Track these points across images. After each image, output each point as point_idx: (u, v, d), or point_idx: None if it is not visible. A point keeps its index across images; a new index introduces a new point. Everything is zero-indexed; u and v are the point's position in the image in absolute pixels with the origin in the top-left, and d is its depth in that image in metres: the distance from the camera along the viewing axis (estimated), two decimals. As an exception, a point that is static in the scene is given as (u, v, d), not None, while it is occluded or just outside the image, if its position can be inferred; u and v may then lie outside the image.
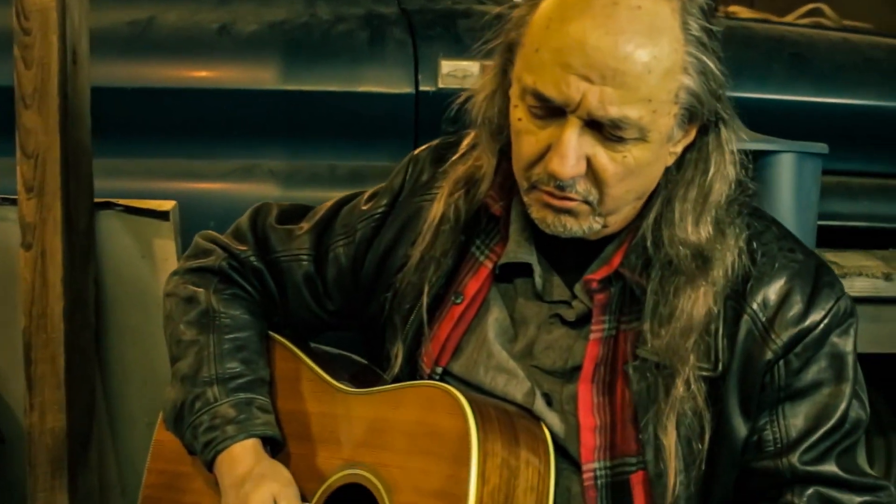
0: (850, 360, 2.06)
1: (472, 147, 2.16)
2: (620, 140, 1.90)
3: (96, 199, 2.90)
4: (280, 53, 3.62)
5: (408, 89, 3.58)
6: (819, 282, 2.04)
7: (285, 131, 3.56)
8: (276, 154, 3.47)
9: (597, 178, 1.93)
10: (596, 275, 2.05)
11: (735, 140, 2.00)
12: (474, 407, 2.01)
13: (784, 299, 2.01)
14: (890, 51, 3.97)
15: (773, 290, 2.01)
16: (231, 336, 2.24)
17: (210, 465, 2.18)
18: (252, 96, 3.57)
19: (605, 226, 2.00)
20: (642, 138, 1.91)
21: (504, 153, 2.09)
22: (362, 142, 3.54)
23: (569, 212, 1.97)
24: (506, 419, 2.04)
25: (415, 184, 2.22)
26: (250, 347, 2.25)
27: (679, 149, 2.00)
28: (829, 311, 2.03)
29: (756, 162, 3.08)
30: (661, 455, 1.99)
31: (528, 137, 1.95)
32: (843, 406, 2.03)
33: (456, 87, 3.30)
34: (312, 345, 2.37)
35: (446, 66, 3.60)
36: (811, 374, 2.03)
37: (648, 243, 2.02)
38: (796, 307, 2.02)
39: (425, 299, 2.12)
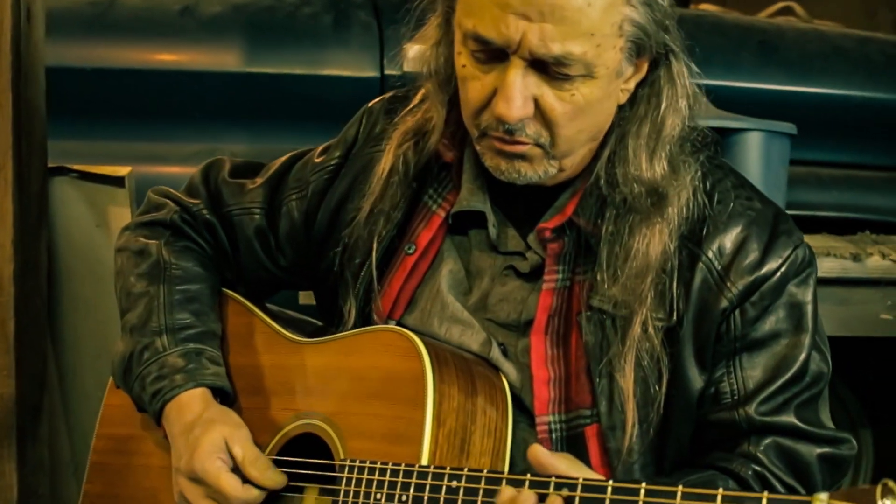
0: (810, 310, 2.01)
1: (423, 100, 2.13)
2: (566, 78, 1.87)
3: (49, 165, 2.84)
4: (243, 36, 3.59)
5: (373, 73, 3.56)
6: (776, 229, 2.00)
7: (248, 114, 3.52)
8: (239, 137, 3.44)
9: (546, 119, 1.90)
10: (549, 223, 2.01)
11: (687, 74, 1.96)
12: (430, 349, 1.96)
13: (740, 247, 1.97)
14: (859, 41, 3.96)
15: (728, 238, 1.97)
16: (182, 287, 2.19)
17: (158, 417, 2.12)
18: (214, 79, 3.54)
19: (561, 169, 1.96)
20: (589, 75, 1.88)
21: (454, 104, 2.05)
22: (326, 125, 3.46)
23: (522, 157, 1.93)
24: (463, 365, 1.99)
25: (368, 135, 2.18)
26: (201, 300, 2.20)
27: (631, 85, 1.97)
28: (787, 259, 1.99)
29: (724, 140, 3.10)
30: (615, 406, 1.94)
31: (473, 83, 1.91)
32: (802, 357, 1.98)
33: (422, 71, 3.26)
34: (268, 304, 2.31)
35: (412, 49, 3.58)
36: (769, 324, 1.98)
37: (602, 183, 1.98)
38: (752, 255, 1.97)
39: (374, 254, 2.08)
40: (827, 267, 3.20)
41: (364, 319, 2.11)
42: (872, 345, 3.39)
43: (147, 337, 2.14)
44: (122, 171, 2.85)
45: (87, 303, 2.95)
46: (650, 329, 1.93)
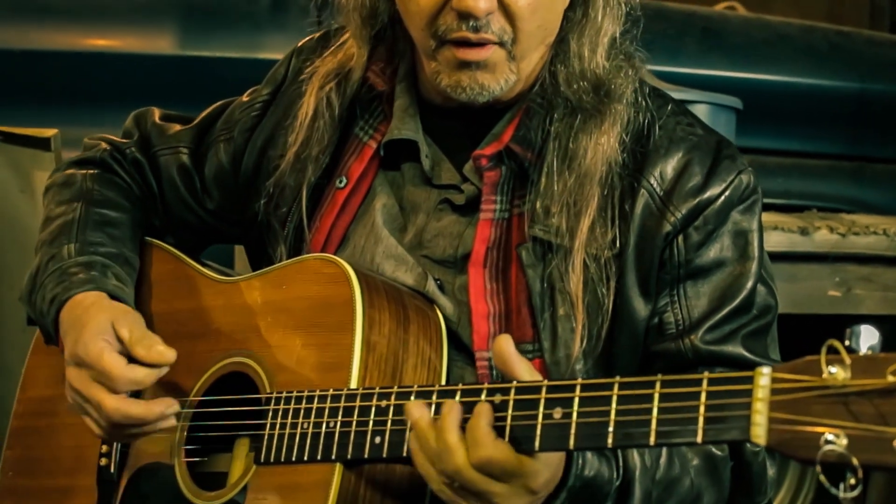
0: (755, 238, 1.93)
1: (344, 42, 2.06)
2: None
3: (-30, 125, 2.76)
4: (177, 19, 3.54)
5: (311, 57, 3.51)
6: (720, 154, 1.93)
7: (183, 99, 3.42)
8: (173, 122, 3.36)
9: (509, 13, 1.85)
10: (486, 150, 1.94)
11: None
12: (360, 275, 1.87)
13: (682, 171, 1.90)
14: (803, 29, 3.96)
15: (670, 164, 1.91)
16: (101, 210, 2.10)
17: (55, 328, 1.99)
18: (148, 62, 3.49)
19: (517, 77, 1.90)
20: None
21: (379, 39, 2.01)
22: (263, 110, 3.45)
23: (485, 65, 1.87)
24: (395, 294, 1.91)
25: (297, 74, 2.11)
26: (119, 227, 2.10)
27: None
28: (731, 184, 1.92)
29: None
30: (559, 341, 1.87)
31: None
32: (748, 286, 1.90)
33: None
34: (201, 259, 2.23)
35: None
36: (713, 251, 1.91)
37: (546, 88, 1.92)
38: (695, 179, 1.91)
39: (304, 201, 2.01)
40: (774, 241, 3.14)
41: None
42: (821, 322, 3.33)
43: (55, 248, 2.05)
44: (49, 132, 2.76)
45: (12, 272, 2.84)
46: (594, 256, 1.87)
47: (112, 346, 1.90)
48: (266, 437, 1.85)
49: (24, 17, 3.49)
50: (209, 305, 2.04)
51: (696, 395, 1.49)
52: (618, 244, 1.88)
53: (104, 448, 2.02)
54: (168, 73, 3.51)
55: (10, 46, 3.41)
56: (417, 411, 1.66)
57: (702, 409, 1.47)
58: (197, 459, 1.96)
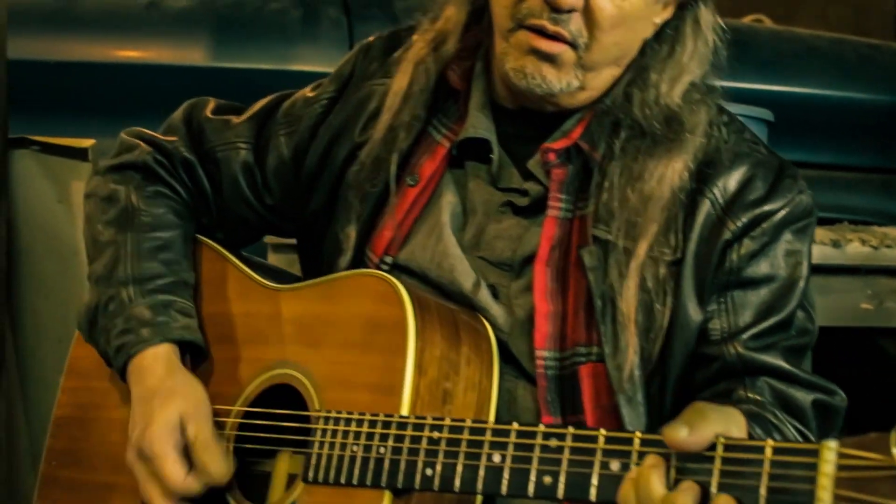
0: (805, 261, 1.98)
1: (432, 22, 2.09)
2: None
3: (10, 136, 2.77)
4: (210, 30, 3.55)
5: (342, 69, 3.51)
6: (782, 174, 1.98)
7: (214, 110, 3.44)
8: (205, 133, 3.36)
9: (591, 18, 1.89)
10: (554, 144, 1.96)
11: (713, 24, 1.97)
12: (412, 295, 1.88)
13: (745, 184, 1.95)
14: (832, 41, 3.95)
15: (734, 177, 1.95)
16: (152, 235, 2.10)
17: (123, 373, 2.02)
18: (180, 73, 3.49)
19: (581, 87, 1.94)
20: None
21: (474, 15, 2.04)
22: (294, 121, 3.45)
23: (552, 59, 1.90)
24: (446, 313, 1.92)
25: (365, 71, 2.12)
26: (173, 248, 2.10)
27: (659, 21, 1.96)
28: (790, 202, 1.96)
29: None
30: (619, 344, 1.89)
31: None
32: (792, 304, 1.95)
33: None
34: (245, 253, 2.22)
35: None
36: (764, 265, 1.95)
37: (618, 103, 1.96)
38: (757, 192, 1.95)
39: (393, 166, 2.02)
40: (806, 254, 3.13)
41: (359, 250, 2.04)
42: (852, 335, 3.33)
43: (112, 287, 2.05)
44: (86, 143, 2.77)
45: (49, 282, 2.85)
46: (656, 260, 1.90)
47: (177, 449, 1.93)
48: (315, 455, 1.86)
49: (58, 28, 3.49)
50: (257, 311, 2.04)
51: (760, 463, 1.48)
52: (678, 253, 1.92)
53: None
54: (200, 83, 3.49)
55: (45, 57, 3.41)
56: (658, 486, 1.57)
57: (765, 478, 1.46)
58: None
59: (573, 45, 1.90)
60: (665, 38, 1.97)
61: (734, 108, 3.13)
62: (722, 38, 1.99)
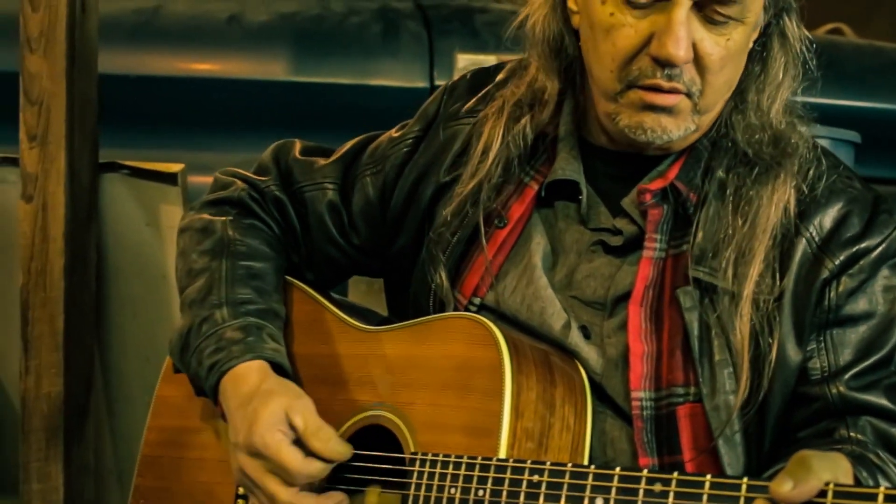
0: None
1: (512, 74, 2.09)
2: (724, 22, 1.87)
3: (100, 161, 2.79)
4: (291, 45, 3.56)
5: (422, 83, 3.54)
6: (878, 209, 1.97)
7: (294, 124, 3.47)
8: (286, 148, 3.38)
9: (701, 65, 1.89)
10: (651, 185, 1.96)
11: (799, 36, 1.95)
12: (507, 338, 1.88)
13: (841, 221, 1.94)
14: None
15: (829, 215, 1.94)
16: (246, 263, 2.11)
17: (215, 392, 2.02)
18: (261, 87, 3.51)
19: (696, 129, 1.93)
20: (741, 20, 1.88)
21: (566, 73, 2.03)
22: (374, 136, 3.46)
23: (670, 111, 1.90)
24: (540, 355, 1.92)
25: (450, 111, 2.13)
26: (265, 278, 2.12)
27: (751, 44, 1.96)
28: (887, 237, 1.95)
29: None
30: (717, 386, 1.88)
31: (623, 31, 1.88)
32: (893, 341, 1.94)
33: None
34: (334, 294, 2.24)
35: (462, 60, 3.55)
36: (862, 302, 1.93)
37: (720, 134, 1.95)
38: (853, 229, 1.94)
39: (482, 226, 2.01)
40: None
41: (447, 292, 2.04)
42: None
43: (206, 310, 2.06)
44: (175, 167, 2.78)
45: (136, 304, 2.87)
46: (758, 303, 1.90)
47: (288, 438, 1.92)
48: (412, 496, 1.86)
49: (139, 42, 3.52)
50: (349, 353, 2.05)
51: None
52: (776, 291, 1.91)
53: (241, 490, 2.04)
54: (280, 98, 3.52)
55: (127, 72, 3.44)
56: None
57: None
58: None
59: (688, 94, 1.89)
60: (755, 56, 1.96)
61: (821, 131, 3.13)
62: (810, 48, 1.97)
